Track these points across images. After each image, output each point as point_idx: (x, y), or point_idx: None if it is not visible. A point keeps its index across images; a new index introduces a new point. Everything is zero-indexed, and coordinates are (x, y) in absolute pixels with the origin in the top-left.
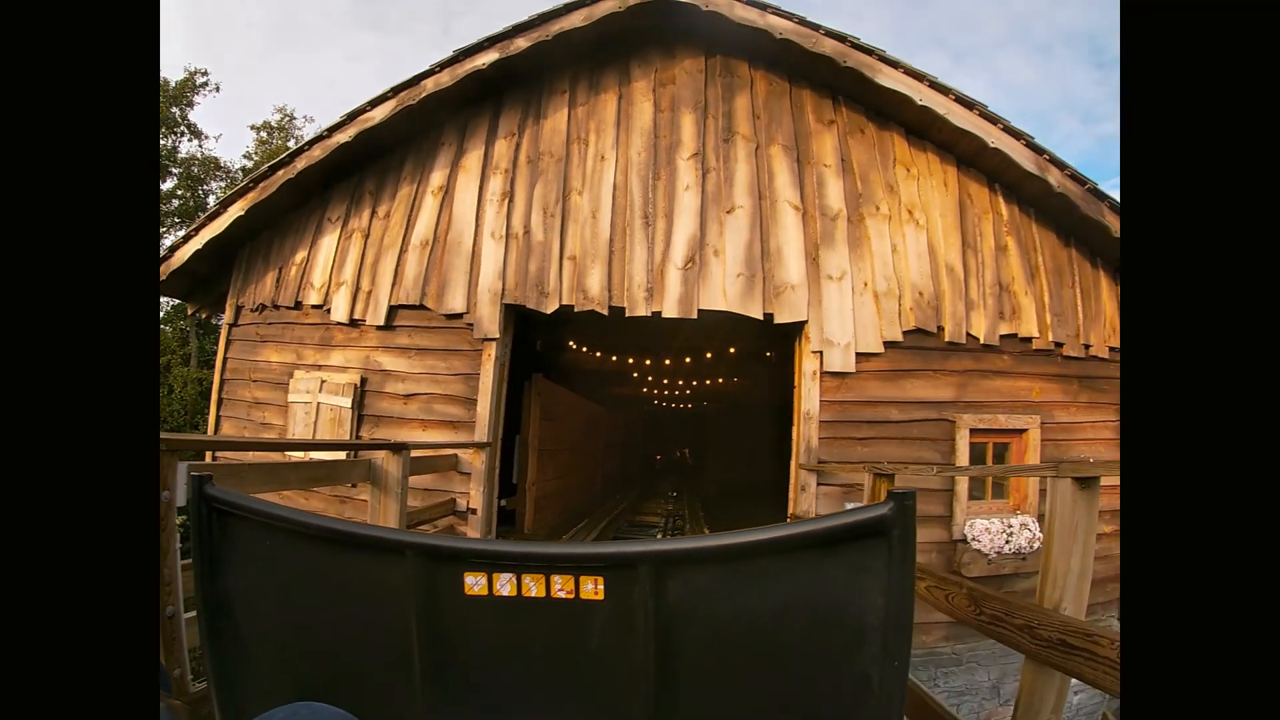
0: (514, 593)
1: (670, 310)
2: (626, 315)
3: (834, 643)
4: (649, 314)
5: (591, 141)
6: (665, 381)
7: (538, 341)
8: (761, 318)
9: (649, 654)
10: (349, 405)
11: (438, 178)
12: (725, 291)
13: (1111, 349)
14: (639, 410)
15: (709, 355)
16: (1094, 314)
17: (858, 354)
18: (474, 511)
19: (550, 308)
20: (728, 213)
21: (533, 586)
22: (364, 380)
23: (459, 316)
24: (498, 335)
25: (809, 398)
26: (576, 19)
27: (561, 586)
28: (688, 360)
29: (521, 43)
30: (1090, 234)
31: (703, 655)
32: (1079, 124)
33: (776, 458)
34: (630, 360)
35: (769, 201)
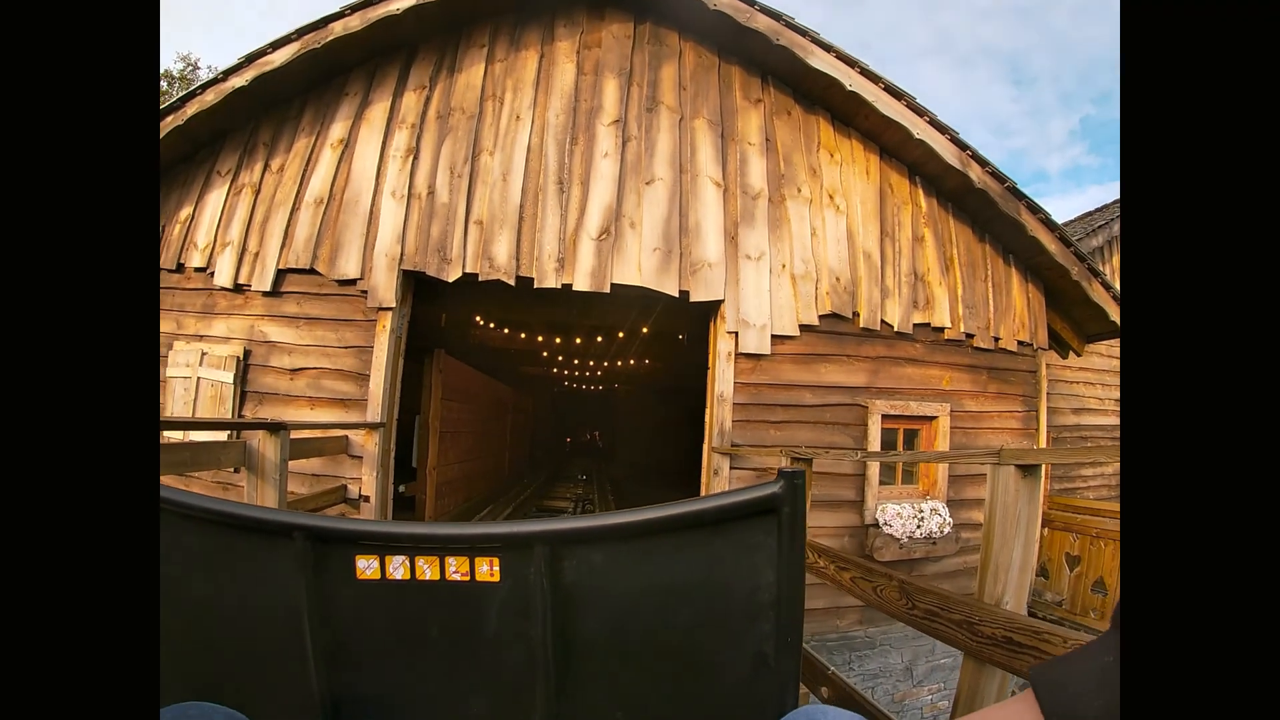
0: (407, 576)
1: (582, 283)
2: (535, 286)
3: (729, 620)
4: (559, 286)
5: (507, 100)
6: (576, 362)
7: (442, 315)
8: (677, 295)
9: (547, 635)
10: (231, 380)
11: (338, 130)
12: (641, 266)
13: (1020, 342)
14: (548, 391)
15: (621, 335)
16: (1004, 308)
17: (773, 336)
18: (366, 499)
19: (453, 275)
20: (647, 184)
21: (426, 569)
22: (248, 353)
23: (353, 283)
24: (394, 304)
25: (723, 379)
26: None
27: (456, 568)
28: (599, 340)
29: None
30: (1005, 231)
31: (601, 635)
32: (991, 136)
33: (689, 441)
34: (540, 338)
35: (690, 176)
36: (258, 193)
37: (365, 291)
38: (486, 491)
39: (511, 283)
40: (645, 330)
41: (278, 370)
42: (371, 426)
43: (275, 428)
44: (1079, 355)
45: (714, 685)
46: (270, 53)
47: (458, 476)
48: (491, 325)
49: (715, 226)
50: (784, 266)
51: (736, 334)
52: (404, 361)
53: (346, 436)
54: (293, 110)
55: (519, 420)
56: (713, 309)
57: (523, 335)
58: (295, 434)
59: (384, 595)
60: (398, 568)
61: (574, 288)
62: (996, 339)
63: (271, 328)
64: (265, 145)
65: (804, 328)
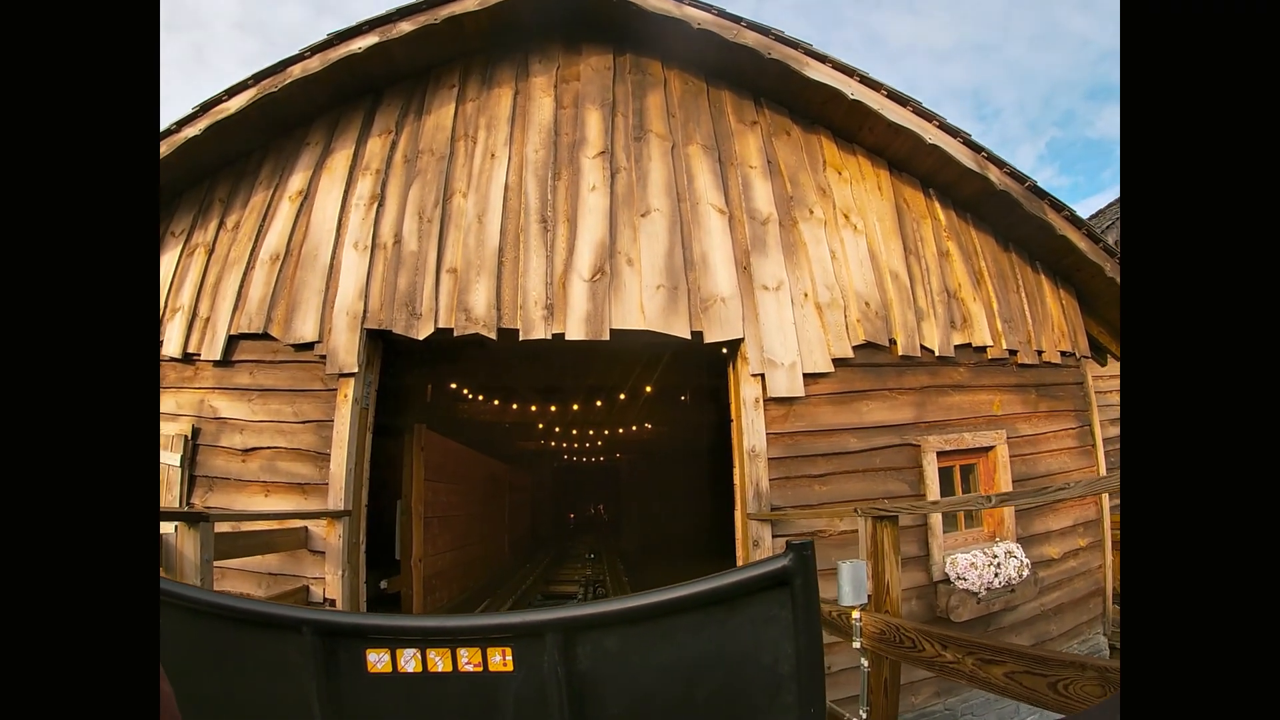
0: (419, 668)
1: (576, 331)
2: (521, 339)
3: (750, 695)
4: (549, 336)
5: (481, 138)
6: (575, 432)
7: (427, 387)
8: (689, 336)
9: None
10: (178, 463)
11: (297, 181)
12: (643, 307)
13: (1063, 353)
14: (549, 466)
15: (622, 396)
16: (1042, 318)
17: (805, 375)
18: (331, 603)
19: (423, 332)
20: (642, 216)
21: (439, 661)
22: (197, 431)
23: (310, 347)
24: (357, 369)
25: (752, 430)
26: (470, 3)
27: (469, 659)
28: (599, 404)
29: (405, 26)
30: (1029, 236)
31: (620, 719)
32: None
33: (704, 508)
34: (534, 407)
35: (689, 204)
36: (211, 252)
37: (324, 356)
38: (485, 579)
39: (492, 336)
40: (649, 389)
41: (229, 451)
42: (334, 515)
43: (194, 519)
44: (1119, 360)
45: None
46: (225, 100)
47: (449, 566)
48: (480, 397)
49: (724, 257)
50: (806, 295)
51: (763, 376)
52: (378, 438)
53: (306, 528)
54: (251, 164)
55: (518, 499)
56: (731, 351)
57: (514, 406)
58: (250, 525)
59: (396, 689)
60: (409, 660)
61: (566, 337)
62: (1040, 353)
63: (222, 402)
64: (221, 202)
65: (838, 362)
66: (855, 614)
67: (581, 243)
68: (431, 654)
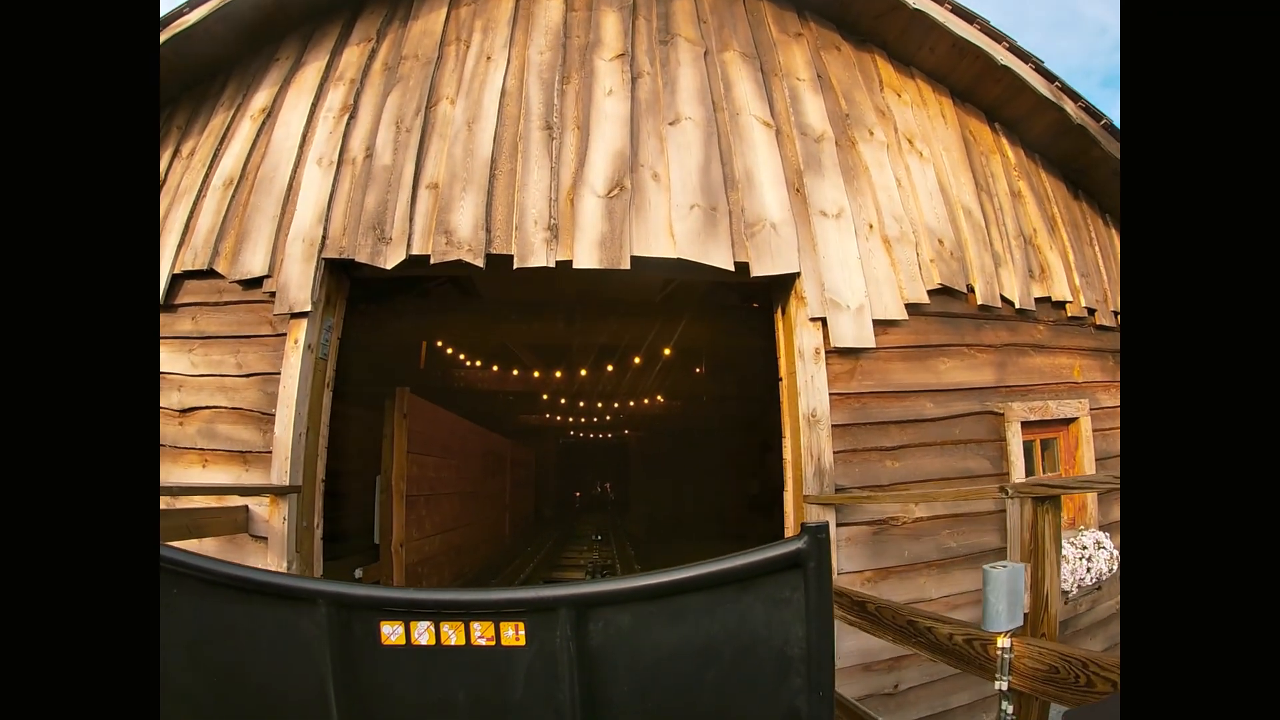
0: (432, 641)
1: (586, 257)
2: (516, 267)
3: (759, 677)
4: (551, 264)
5: (475, 41)
6: (582, 405)
7: (420, 349)
8: (731, 268)
9: (575, 699)
10: None
11: (262, 98)
12: (673, 230)
13: None
14: (553, 442)
15: (638, 360)
16: (1116, 276)
17: (874, 321)
18: None
19: (392, 260)
20: (671, 124)
21: (451, 634)
22: None
23: (259, 283)
24: (310, 308)
25: (811, 390)
26: None
27: (481, 633)
28: (609, 369)
29: None
30: (1101, 183)
31: (629, 697)
32: None
33: (721, 486)
34: (537, 374)
35: (728, 114)
36: (163, 184)
37: (274, 294)
38: (481, 563)
39: (479, 264)
40: (667, 352)
41: (165, 412)
42: (277, 491)
43: None
44: None
45: None
46: (186, 12)
47: (439, 551)
48: (478, 363)
49: (773, 175)
50: (871, 226)
51: (824, 321)
52: (362, 409)
53: (246, 507)
54: (214, 87)
55: (520, 476)
56: (780, 291)
57: (515, 373)
58: (186, 501)
59: (409, 661)
60: (423, 633)
61: (575, 264)
62: (1116, 314)
63: (161, 353)
64: (179, 129)
65: (911, 309)
66: (1003, 641)
67: (595, 153)
68: (445, 627)
